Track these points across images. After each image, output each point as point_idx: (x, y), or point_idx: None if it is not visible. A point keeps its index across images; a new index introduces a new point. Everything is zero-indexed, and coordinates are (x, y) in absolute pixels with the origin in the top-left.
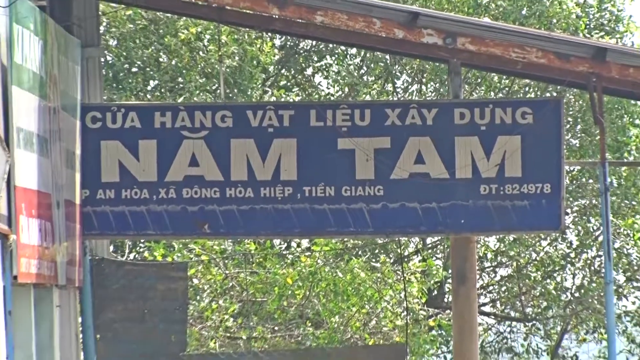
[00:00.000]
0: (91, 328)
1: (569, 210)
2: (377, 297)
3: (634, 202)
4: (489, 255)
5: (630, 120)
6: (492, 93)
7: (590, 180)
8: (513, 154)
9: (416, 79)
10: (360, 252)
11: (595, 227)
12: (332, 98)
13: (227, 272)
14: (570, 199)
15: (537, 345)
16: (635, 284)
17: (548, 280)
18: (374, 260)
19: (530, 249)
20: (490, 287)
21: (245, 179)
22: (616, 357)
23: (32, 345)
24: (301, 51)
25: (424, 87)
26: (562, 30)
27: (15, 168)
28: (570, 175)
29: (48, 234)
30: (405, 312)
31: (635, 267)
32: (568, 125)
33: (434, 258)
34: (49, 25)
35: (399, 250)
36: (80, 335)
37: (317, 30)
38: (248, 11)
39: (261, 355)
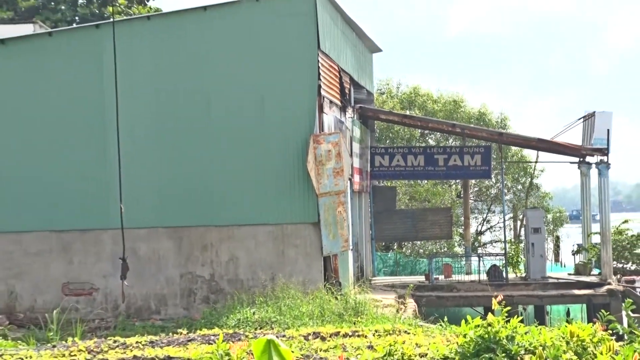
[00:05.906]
0: (373, 203)
1: (493, 174)
2: (444, 194)
3: (510, 173)
4: (472, 185)
5: (508, 152)
6: (473, 144)
7: (499, 167)
8: (478, 159)
9: (454, 140)
10: (438, 183)
11: (499, 179)
12: (433, 144)
13: (406, 187)
14: (493, 170)
15: (479, 209)
16: (507, 195)
17: (487, 191)
18: (441, 185)
19: (482, 183)
20: (471, 191)
21: (411, 165)
22: (505, 219)
23: (356, 207)
24: (425, 132)
25: (457, 142)
26: (492, 127)
27: (353, 161)
28: (493, 165)
29: (361, 177)
30: (451, 199)
31: (509, 188)
32: (492, 151)
33: (459, 185)
34: (362, 126)
35: (450, 183)
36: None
37: (428, 127)
38: (411, 123)
39: (413, 210)
